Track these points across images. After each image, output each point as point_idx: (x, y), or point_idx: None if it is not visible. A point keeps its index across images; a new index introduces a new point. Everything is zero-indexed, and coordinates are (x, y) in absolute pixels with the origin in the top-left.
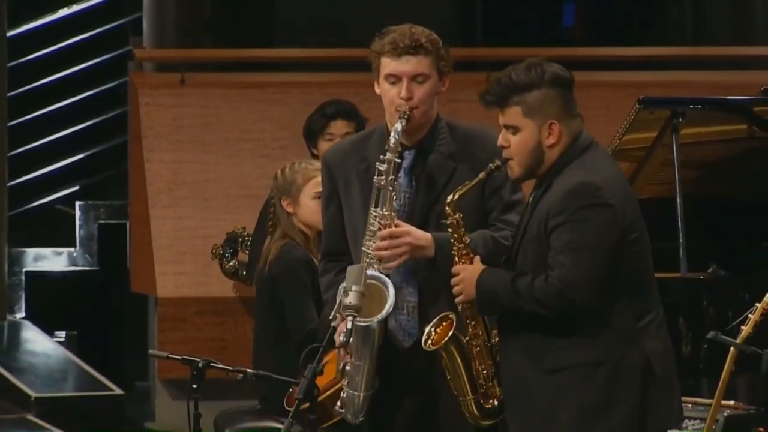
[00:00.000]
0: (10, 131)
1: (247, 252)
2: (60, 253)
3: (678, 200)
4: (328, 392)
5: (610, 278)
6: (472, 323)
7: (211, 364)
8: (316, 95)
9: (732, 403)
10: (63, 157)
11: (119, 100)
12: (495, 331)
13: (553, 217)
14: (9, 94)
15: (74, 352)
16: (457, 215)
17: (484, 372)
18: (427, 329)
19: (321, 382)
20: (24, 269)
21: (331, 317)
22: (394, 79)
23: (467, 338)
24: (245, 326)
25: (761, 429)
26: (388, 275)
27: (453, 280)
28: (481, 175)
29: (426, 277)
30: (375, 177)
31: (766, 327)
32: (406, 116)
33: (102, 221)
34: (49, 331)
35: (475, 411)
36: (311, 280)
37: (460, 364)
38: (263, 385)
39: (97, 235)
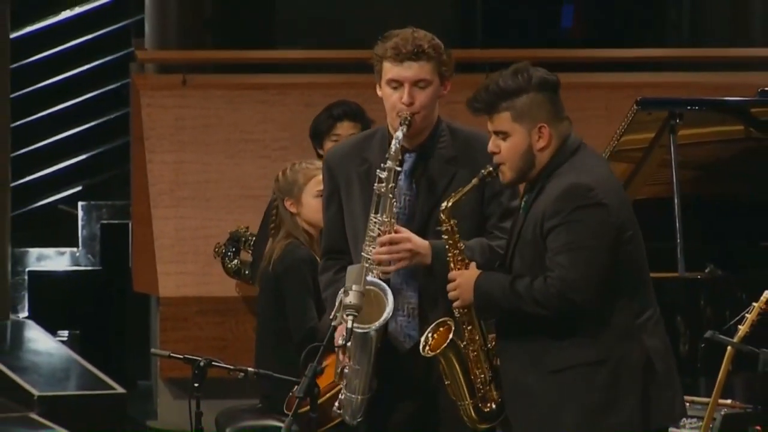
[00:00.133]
0: (14, 132)
1: (250, 251)
2: (63, 253)
3: (676, 200)
4: (328, 395)
5: (609, 276)
6: (469, 328)
7: (213, 363)
8: (317, 96)
9: (729, 401)
10: (66, 158)
11: (122, 102)
12: (491, 336)
13: (549, 220)
14: (12, 96)
15: (77, 351)
16: (451, 222)
17: (482, 376)
18: (424, 335)
19: (321, 383)
20: (27, 269)
21: (331, 317)
22: (396, 84)
23: (464, 343)
24: (246, 325)
25: (758, 427)
26: (387, 280)
27: (449, 286)
28: (474, 181)
29: (426, 280)
30: (375, 184)
31: (762, 326)
32: (407, 122)
33: (104, 221)
34: (52, 330)
35: (473, 415)
36: (314, 279)
37: (458, 369)
38: (264, 384)
39: (99, 235)
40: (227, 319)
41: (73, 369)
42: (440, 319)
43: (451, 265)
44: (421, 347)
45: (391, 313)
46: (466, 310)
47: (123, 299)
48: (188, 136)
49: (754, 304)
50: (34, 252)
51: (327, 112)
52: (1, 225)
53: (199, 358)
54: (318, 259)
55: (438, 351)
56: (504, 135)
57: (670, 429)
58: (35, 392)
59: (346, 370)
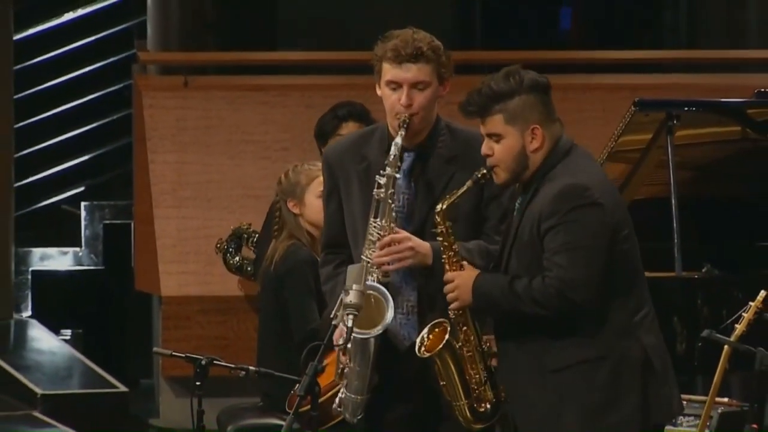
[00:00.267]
0: (17, 133)
1: (251, 248)
2: (66, 253)
3: (673, 201)
4: (328, 394)
5: (606, 275)
6: (464, 329)
7: (214, 361)
8: (317, 98)
9: (726, 400)
10: (69, 159)
11: (124, 103)
12: (486, 337)
13: (546, 220)
14: (16, 97)
15: (80, 350)
16: (446, 224)
17: (477, 377)
18: (419, 336)
19: (322, 381)
20: (30, 268)
21: (331, 316)
22: (395, 85)
23: (459, 344)
24: (248, 324)
25: (755, 426)
26: (387, 277)
27: (447, 287)
28: (468, 183)
29: (425, 279)
30: (375, 189)
31: (759, 325)
32: (405, 125)
33: (107, 221)
34: (55, 329)
35: (468, 415)
36: (316, 280)
37: (453, 369)
38: (265, 383)
39: (102, 235)
40: (229, 318)
41: (75, 367)
42: (436, 320)
43: (446, 267)
44: (416, 348)
45: (390, 321)
46: (461, 312)
47: (125, 298)
48: (190, 137)
49: (751, 303)
50: (37, 252)
51: (332, 112)
52: (5, 225)
53: (201, 357)
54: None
55: (434, 352)
56: (497, 137)
57: (667, 426)
58: (38, 391)
59: (346, 371)
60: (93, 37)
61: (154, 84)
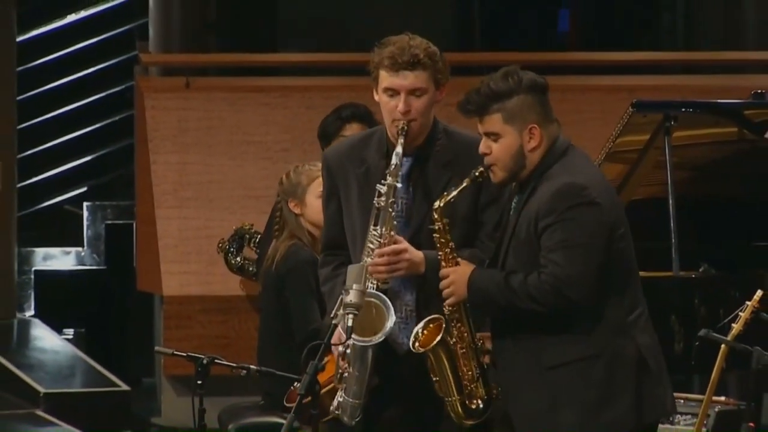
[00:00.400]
0: (20, 134)
1: (253, 248)
2: (68, 253)
3: (670, 201)
4: (328, 387)
5: (602, 273)
6: (459, 325)
7: (216, 360)
8: (318, 99)
9: (723, 398)
10: (71, 159)
11: (126, 104)
12: (479, 334)
13: (543, 218)
14: (19, 98)
15: (82, 349)
16: (443, 221)
17: (469, 373)
18: (414, 330)
19: (321, 378)
20: (33, 268)
21: (332, 316)
22: (392, 92)
23: (453, 340)
24: (249, 324)
25: (751, 424)
26: (387, 284)
27: (443, 283)
28: (466, 181)
29: (422, 283)
30: (375, 198)
31: (755, 325)
32: (404, 132)
33: (109, 221)
34: (58, 328)
35: (460, 411)
36: (316, 280)
37: (447, 365)
38: (266, 382)
39: (104, 235)
40: (230, 317)
41: (78, 366)
42: (431, 316)
43: (443, 263)
44: (410, 342)
45: (389, 329)
46: (456, 308)
47: (127, 298)
48: (191, 138)
49: (748, 302)
50: (40, 251)
51: (336, 113)
52: (8, 225)
53: (202, 356)
54: None
55: (428, 347)
56: (495, 136)
57: (664, 425)
58: (41, 389)
59: (345, 375)
60: (95, 39)
61: (156, 85)
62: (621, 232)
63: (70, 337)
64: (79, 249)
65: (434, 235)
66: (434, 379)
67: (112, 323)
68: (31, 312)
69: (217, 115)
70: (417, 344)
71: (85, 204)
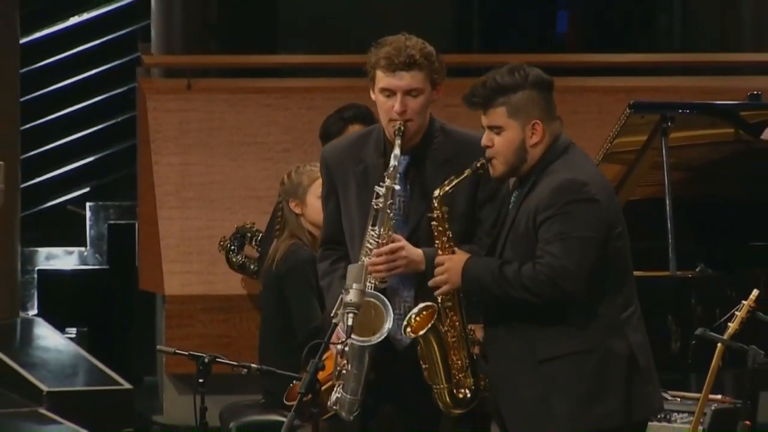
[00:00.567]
0: (23, 135)
1: (254, 246)
2: (71, 253)
3: (667, 201)
4: (327, 384)
5: (598, 270)
6: (451, 314)
7: (217, 359)
8: (319, 100)
9: (719, 397)
10: (74, 160)
11: (128, 105)
12: (471, 325)
13: (542, 212)
14: (22, 99)
15: (85, 348)
16: (442, 209)
17: (459, 362)
18: (407, 316)
19: (321, 376)
20: (36, 268)
21: (332, 314)
22: (389, 92)
23: (445, 328)
24: (250, 323)
25: (747, 422)
26: (385, 282)
27: (437, 270)
28: (467, 172)
29: (421, 280)
30: (374, 199)
31: (751, 324)
32: (401, 133)
33: (112, 221)
34: (61, 327)
35: (447, 400)
36: (317, 279)
37: (437, 353)
38: (267, 380)
39: (107, 235)
40: (231, 316)
41: (80, 365)
42: (426, 303)
43: (439, 251)
44: (402, 327)
45: (388, 330)
46: (449, 296)
47: (129, 297)
48: (193, 139)
49: (744, 302)
50: (43, 251)
51: (338, 114)
52: (11, 225)
53: (204, 355)
54: None
55: (420, 333)
56: (498, 129)
57: (661, 424)
58: (44, 388)
59: (343, 372)
60: (98, 41)
61: (158, 87)
62: (618, 230)
63: (73, 336)
64: (82, 249)
65: (432, 223)
66: (423, 366)
67: (115, 322)
68: (34, 311)
69: (219, 116)
70: (409, 329)
71: (87, 204)
